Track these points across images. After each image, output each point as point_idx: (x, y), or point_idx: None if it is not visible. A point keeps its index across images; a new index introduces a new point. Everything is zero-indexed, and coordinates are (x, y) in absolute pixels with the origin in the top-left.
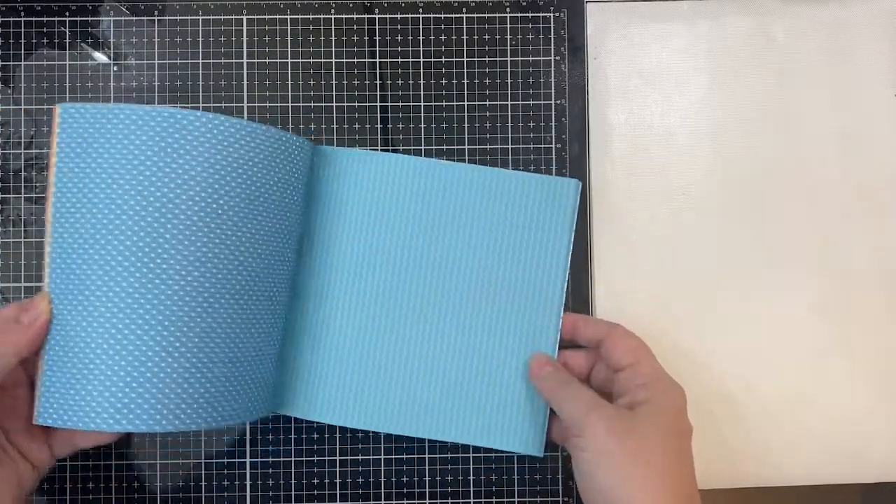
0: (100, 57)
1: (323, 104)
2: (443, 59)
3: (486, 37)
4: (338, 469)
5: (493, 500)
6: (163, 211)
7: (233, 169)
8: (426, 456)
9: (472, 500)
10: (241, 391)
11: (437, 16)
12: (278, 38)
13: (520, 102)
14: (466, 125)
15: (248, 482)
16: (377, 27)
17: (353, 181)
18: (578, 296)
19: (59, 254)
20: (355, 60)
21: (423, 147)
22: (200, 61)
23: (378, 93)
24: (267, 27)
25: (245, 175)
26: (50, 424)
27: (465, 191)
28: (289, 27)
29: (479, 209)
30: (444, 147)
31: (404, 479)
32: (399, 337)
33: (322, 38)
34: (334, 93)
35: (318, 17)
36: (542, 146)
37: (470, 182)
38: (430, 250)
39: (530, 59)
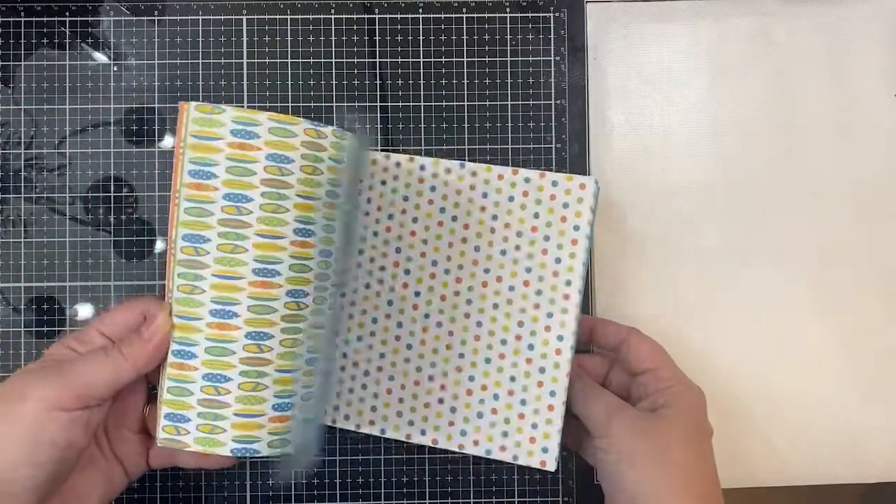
0: (100, 57)
1: (323, 104)
2: (443, 59)
3: (486, 37)
4: (338, 469)
5: (493, 500)
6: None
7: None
8: (426, 456)
9: (472, 500)
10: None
11: (437, 16)
12: (278, 38)
13: (520, 102)
14: (466, 125)
15: (248, 482)
16: (377, 27)
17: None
18: None
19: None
20: (355, 60)
21: (422, 147)
22: (200, 61)
23: (378, 93)
24: (267, 27)
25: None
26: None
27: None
28: (289, 27)
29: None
30: (444, 147)
31: (404, 479)
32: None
33: (322, 38)
34: (334, 93)
35: (318, 17)
36: (542, 146)
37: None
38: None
39: (530, 59)
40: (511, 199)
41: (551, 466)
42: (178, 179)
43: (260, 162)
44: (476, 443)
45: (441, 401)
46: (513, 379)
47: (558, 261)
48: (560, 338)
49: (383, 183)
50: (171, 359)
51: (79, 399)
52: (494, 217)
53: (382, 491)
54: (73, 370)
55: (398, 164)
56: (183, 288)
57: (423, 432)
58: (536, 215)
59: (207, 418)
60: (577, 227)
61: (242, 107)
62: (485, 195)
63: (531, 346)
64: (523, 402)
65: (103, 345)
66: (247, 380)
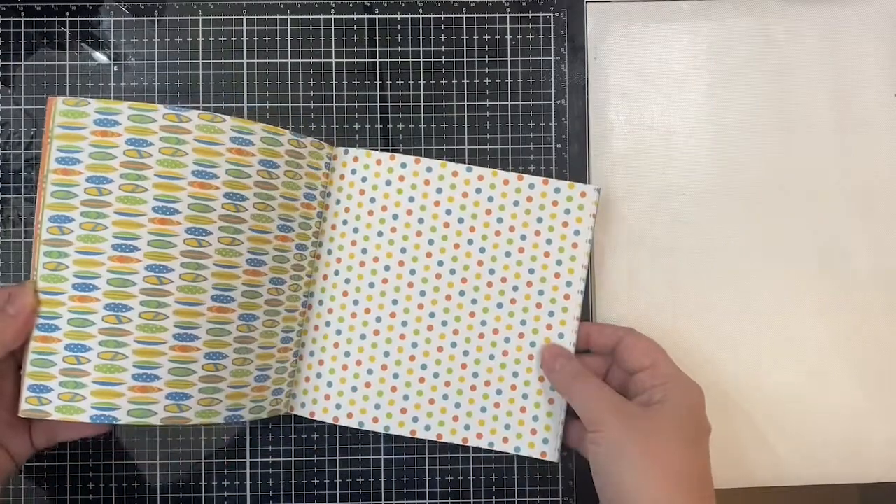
0: (100, 57)
1: (323, 104)
2: (443, 59)
3: (486, 37)
4: (338, 469)
5: (493, 500)
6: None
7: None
8: (426, 456)
9: (472, 500)
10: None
11: (437, 16)
12: (278, 38)
13: (520, 102)
14: (466, 125)
15: (248, 482)
16: (377, 27)
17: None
18: None
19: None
20: (355, 60)
21: (423, 147)
22: (200, 61)
23: (378, 93)
24: (267, 27)
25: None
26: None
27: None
28: (289, 27)
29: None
30: (444, 147)
31: (404, 479)
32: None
33: (322, 38)
34: (334, 93)
35: (318, 17)
36: (542, 146)
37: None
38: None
39: (530, 59)
40: (516, 203)
41: (552, 457)
42: (45, 167)
43: (120, 146)
44: (479, 436)
45: (445, 397)
46: (515, 374)
47: (559, 263)
48: (561, 335)
49: (388, 183)
50: (35, 332)
51: None
52: (499, 220)
53: (382, 491)
54: None
55: (404, 165)
56: (48, 265)
57: (427, 428)
58: (539, 220)
59: (68, 387)
60: (577, 232)
61: (109, 99)
62: (490, 199)
63: (533, 344)
64: (525, 396)
65: None
66: (106, 349)
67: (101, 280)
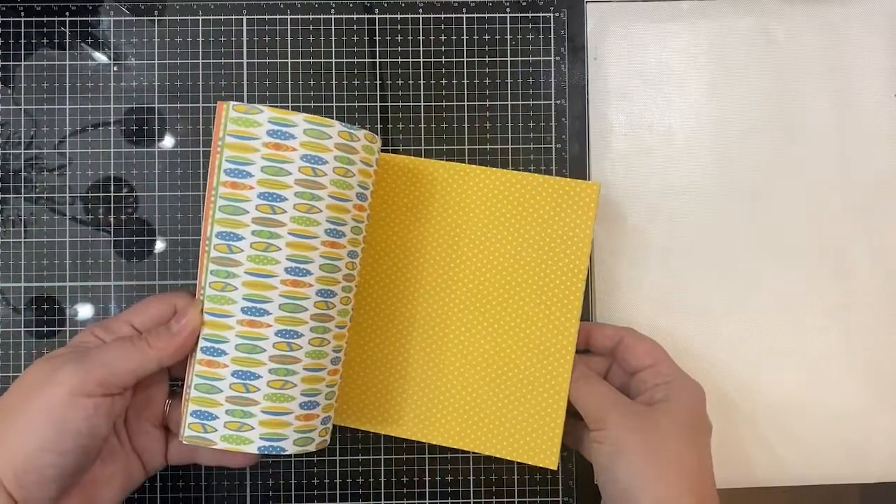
0: (100, 57)
1: (323, 104)
2: (443, 59)
3: (486, 37)
4: (338, 469)
5: (493, 500)
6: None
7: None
8: (426, 456)
9: (472, 500)
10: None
11: (437, 16)
12: (278, 38)
13: (520, 102)
14: (466, 125)
15: (248, 482)
16: (377, 27)
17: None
18: None
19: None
20: (355, 60)
21: (423, 147)
22: (200, 61)
23: (378, 93)
24: (267, 27)
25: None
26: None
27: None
28: (289, 27)
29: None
30: (444, 147)
31: (404, 479)
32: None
33: (322, 38)
34: (334, 93)
35: (318, 17)
36: (542, 146)
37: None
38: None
39: (530, 59)
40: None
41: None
42: (213, 178)
43: (295, 162)
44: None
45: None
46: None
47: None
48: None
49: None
50: (199, 356)
51: (101, 385)
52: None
53: (382, 491)
54: (97, 357)
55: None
56: (215, 285)
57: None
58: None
59: (235, 416)
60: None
61: (277, 107)
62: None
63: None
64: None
65: (130, 335)
66: (276, 378)
67: (272, 305)
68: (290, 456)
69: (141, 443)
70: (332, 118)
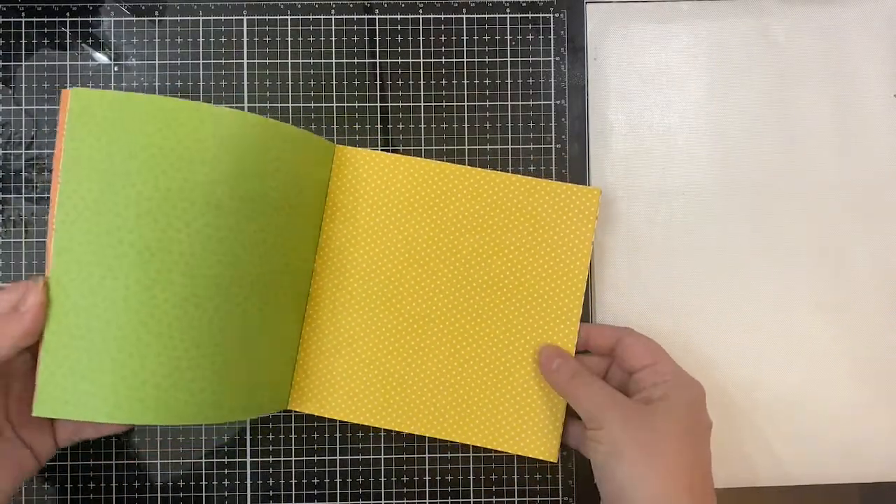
0: (100, 57)
1: (323, 104)
2: (443, 59)
3: (486, 37)
4: (338, 469)
5: (493, 500)
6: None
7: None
8: (426, 455)
9: (472, 500)
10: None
11: (437, 16)
12: (278, 38)
13: (520, 102)
14: (466, 125)
15: (248, 482)
16: (377, 27)
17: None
18: None
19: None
20: (355, 60)
21: (422, 147)
22: (200, 61)
23: (378, 93)
24: (267, 27)
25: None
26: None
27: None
28: (289, 27)
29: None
30: (444, 147)
31: (404, 478)
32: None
33: (322, 38)
34: (334, 93)
35: (318, 17)
36: (542, 146)
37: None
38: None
39: (530, 59)
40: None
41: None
42: (58, 164)
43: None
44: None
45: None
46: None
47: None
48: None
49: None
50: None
51: None
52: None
53: (382, 490)
54: None
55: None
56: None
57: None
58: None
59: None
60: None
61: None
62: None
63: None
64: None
65: None
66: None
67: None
68: (290, 455)
69: (24, 432)
70: (332, 118)
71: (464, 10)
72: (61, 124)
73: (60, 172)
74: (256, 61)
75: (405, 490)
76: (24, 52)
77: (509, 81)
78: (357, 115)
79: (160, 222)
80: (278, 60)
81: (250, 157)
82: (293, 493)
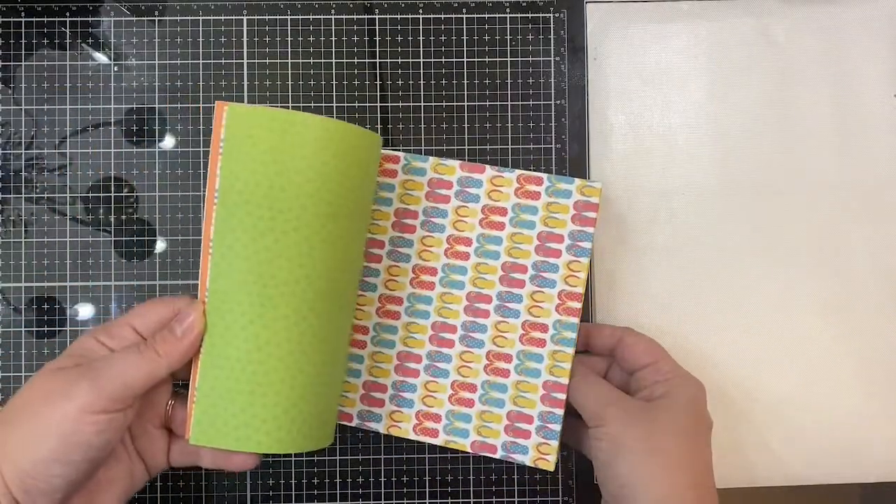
0: (100, 57)
1: (323, 104)
2: (443, 59)
3: (486, 37)
4: (338, 469)
5: (493, 500)
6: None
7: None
8: (426, 456)
9: (472, 500)
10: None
11: (437, 16)
12: (278, 38)
13: (520, 102)
14: (466, 125)
15: (248, 482)
16: (377, 27)
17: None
18: None
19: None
20: (355, 60)
21: (422, 147)
22: (200, 61)
23: (378, 93)
24: (267, 27)
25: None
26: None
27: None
28: (289, 27)
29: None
30: (444, 147)
31: (404, 478)
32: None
33: (322, 38)
34: (334, 93)
35: (318, 17)
36: (542, 146)
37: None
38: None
39: (530, 59)
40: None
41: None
42: (214, 179)
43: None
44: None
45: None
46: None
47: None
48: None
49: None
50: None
51: (114, 401)
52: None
53: (382, 490)
54: (109, 372)
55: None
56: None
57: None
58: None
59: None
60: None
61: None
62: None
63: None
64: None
65: (135, 342)
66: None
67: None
68: (290, 455)
69: (144, 445)
70: (332, 118)
71: (464, 10)
72: (215, 139)
73: (217, 191)
74: (256, 61)
75: (405, 490)
76: (23, 52)
77: (509, 81)
78: (357, 115)
79: (315, 242)
80: (278, 60)
81: (372, 172)
82: (293, 493)
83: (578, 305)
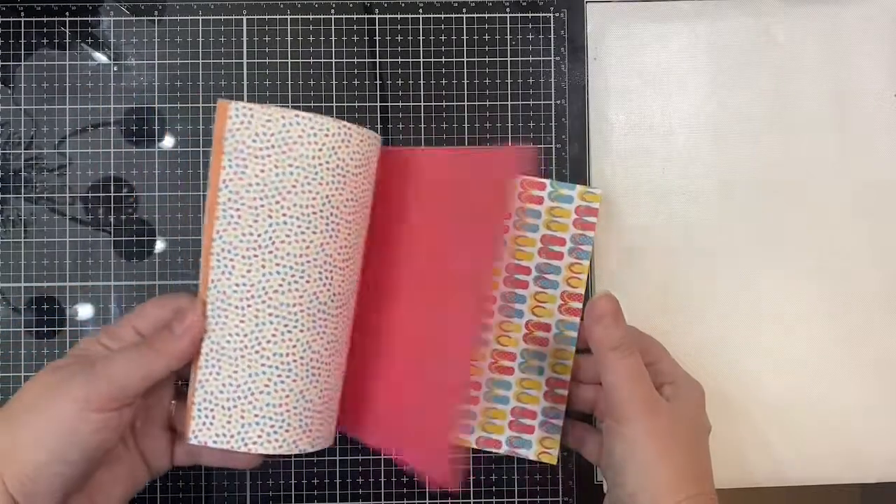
0: (100, 57)
1: (323, 104)
2: (443, 59)
3: (486, 37)
4: (338, 469)
5: (493, 500)
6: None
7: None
8: None
9: (471, 500)
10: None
11: (437, 16)
12: (278, 38)
13: (520, 102)
14: (466, 125)
15: (248, 482)
16: (377, 27)
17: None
18: None
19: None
20: (355, 60)
21: (422, 147)
22: (200, 61)
23: (378, 93)
24: (267, 27)
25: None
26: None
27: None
28: (289, 27)
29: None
30: (444, 147)
31: (404, 479)
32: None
33: (322, 38)
34: (334, 93)
35: (318, 17)
36: (542, 146)
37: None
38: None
39: (530, 59)
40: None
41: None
42: (217, 178)
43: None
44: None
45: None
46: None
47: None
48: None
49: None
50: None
51: (112, 400)
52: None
53: (382, 491)
54: (105, 371)
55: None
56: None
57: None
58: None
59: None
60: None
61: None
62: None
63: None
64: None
65: (135, 342)
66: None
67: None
68: (290, 456)
69: (146, 444)
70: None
71: (464, 10)
72: (218, 138)
73: (220, 191)
74: (256, 61)
75: (405, 490)
76: (23, 52)
77: (509, 81)
78: (357, 115)
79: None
80: (278, 60)
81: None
82: (293, 493)
83: (580, 306)
